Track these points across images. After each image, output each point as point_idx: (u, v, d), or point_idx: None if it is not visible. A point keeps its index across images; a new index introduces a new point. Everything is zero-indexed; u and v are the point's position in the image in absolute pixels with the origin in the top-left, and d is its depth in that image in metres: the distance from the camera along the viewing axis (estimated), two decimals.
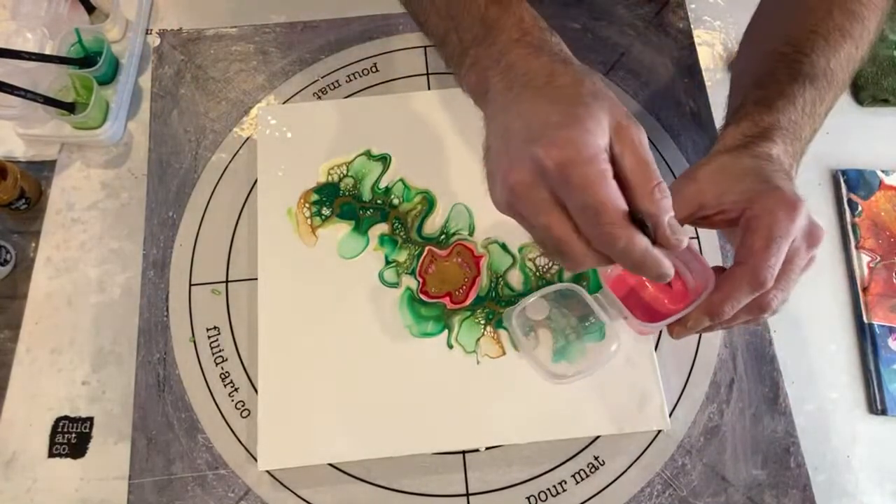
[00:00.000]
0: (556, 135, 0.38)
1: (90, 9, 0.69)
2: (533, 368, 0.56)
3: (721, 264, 0.57)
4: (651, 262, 0.37)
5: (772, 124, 0.47)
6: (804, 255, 0.43)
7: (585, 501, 0.55)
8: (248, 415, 0.57)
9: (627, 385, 0.57)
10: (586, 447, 0.56)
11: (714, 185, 0.45)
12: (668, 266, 0.38)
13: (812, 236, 0.43)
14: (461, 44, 0.46)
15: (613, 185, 0.37)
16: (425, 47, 0.70)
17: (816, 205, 0.66)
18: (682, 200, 0.45)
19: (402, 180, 0.64)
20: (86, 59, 0.66)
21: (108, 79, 0.68)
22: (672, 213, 0.38)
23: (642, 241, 0.37)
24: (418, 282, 0.60)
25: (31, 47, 0.67)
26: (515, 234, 0.61)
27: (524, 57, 0.42)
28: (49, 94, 0.62)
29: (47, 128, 0.66)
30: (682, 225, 0.45)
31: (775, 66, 0.50)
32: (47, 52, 0.68)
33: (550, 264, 0.61)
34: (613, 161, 0.38)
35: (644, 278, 0.48)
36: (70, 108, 0.63)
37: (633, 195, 0.38)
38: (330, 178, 0.64)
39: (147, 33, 0.73)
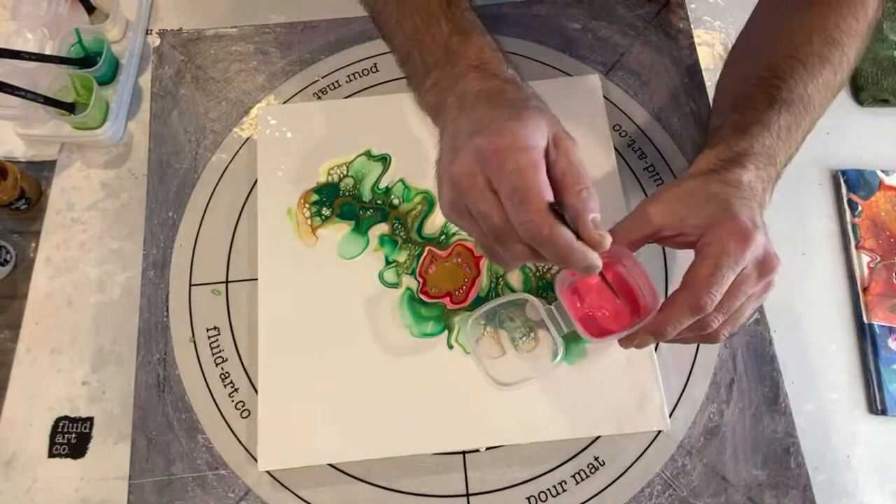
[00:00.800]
0: (499, 126, 0.41)
1: (90, 9, 0.69)
2: (480, 374, 0.56)
3: None
4: (576, 255, 0.40)
5: (745, 150, 0.48)
6: (753, 284, 0.44)
7: (585, 501, 0.55)
8: (248, 415, 0.57)
9: (627, 385, 0.57)
10: (586, 447, 0.56)
11: (677, 207, 0.46)
12: (593, 258, 0.40)
13: (765, 265, 0.44)
14: (424, 65, 0.50)
15: (544, 176, 0.40)
16: None
17: (816, 205, 0.66)
18: (644, 219, 0.47)
19: (402, 180, 0.64)
20: (86, 59, 0.66)
21: (108, 79, 0.68)
22: (596, 214, 0.40)
23: (565, 232, 0.39)
24: (418, 282, 0.60)
25: (31, 47, 0.67)
26: None
27: (478, 79, 0.46)
28: (49, 94, 0.62)
29: (47, 128, 0.66)
30: (643, 243, 0.47)
31: (753, 91, 0.51)
32: (47, 52, 0.68)
33: (550, 265, 0.61)
34: (549, 166, 0.41)
35: (598, 297, 0.50)
36: (70, 108, 0.63)
37: (562, 194, 0.41)
38: (330, 178, 0.64)
39: (147, 33, 0.73)
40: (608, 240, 0.40)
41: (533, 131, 0.41)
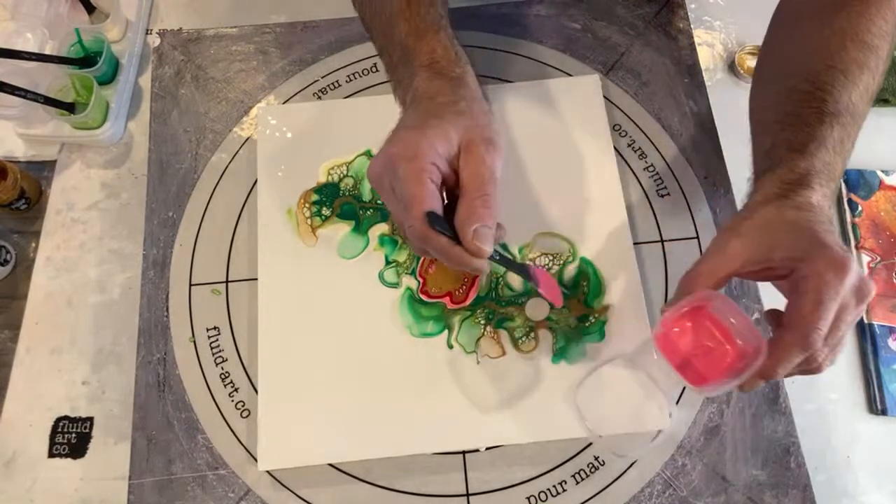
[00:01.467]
0: (400, 134, 0.46)
1: (90, 9, 0.69)
2: (578, 423, 0.55)
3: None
4: (456, 260, 0.44)
5: (808, 169, 0.47)
6: (853, 311, 0.42)
7: (585, 501, 0.55)
8: (248, 415, 0.57)
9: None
10: (586, 447, 0.56)
11: (760, 240, 0.45)
12: (472, 264, 0.43)
13: (861, 292, 0.42)
14: (391, 62, 0.53)
15: (428, 185, 0.43)
16: None
17: None
18: (727, 256, 0.45)
19: None
20: (86, 59, 0.66)
21: (108, 79, 0.68)
22: (480, 224, 0.43)
23: (441, 240, 0.43)
24: (418, 282, 0.60)
25: (31, 47, 0.68)
26: (515, 234, 0.61)
27: (425, 80, 0.49)
28: (49, 94, 0.62)
29: (47, 128, 0.66)
30: (727, 279, 0.46)
31: (799, 106, 0.49)
32: (47, 52, 0.68)
33: (550, 265, 0.61)
34: (459, 171, 0.45)
35: (694, 342, 0.47)
36: (70, 108, 0.63)
37: (461, 200, 0.44)
38: (330, 178, 0.64)
39: (147, 33, 0.73)
40: (485, 250, 0.43)
41: (430, 140, 0.44)
